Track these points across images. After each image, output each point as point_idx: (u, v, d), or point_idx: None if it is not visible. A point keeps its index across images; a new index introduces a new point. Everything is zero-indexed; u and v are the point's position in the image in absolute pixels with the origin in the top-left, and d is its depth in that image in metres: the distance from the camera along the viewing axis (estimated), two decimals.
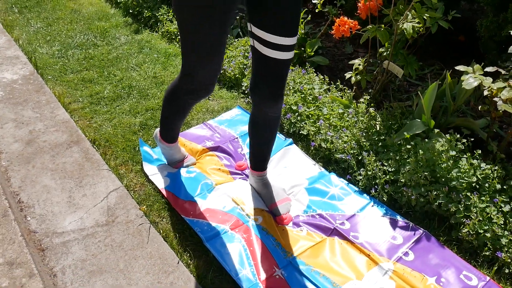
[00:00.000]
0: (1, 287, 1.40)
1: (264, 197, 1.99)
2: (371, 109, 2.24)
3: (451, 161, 1.87)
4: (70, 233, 1.80)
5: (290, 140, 2.33)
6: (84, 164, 2.13)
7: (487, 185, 1.81)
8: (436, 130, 2.06)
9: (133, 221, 1.85)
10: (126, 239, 1.77)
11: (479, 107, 1.89)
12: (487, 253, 1.71)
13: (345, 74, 2.54)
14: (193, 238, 1.84)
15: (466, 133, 2.05)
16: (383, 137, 2.10)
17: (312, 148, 2.25)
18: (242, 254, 1.76)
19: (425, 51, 2.93)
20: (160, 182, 2.08)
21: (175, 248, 1.77)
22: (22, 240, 1.53)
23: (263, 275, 1.68)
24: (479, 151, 1.93)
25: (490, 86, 1.78)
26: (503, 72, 1.85)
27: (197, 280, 1.64)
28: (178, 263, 1.69)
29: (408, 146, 2.00)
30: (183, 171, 2.16)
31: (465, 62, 2.17)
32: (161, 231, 1.85)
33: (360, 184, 2.03)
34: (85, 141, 2.28)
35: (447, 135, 1.98)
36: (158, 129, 2.12)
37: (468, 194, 1.79)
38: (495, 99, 1.78)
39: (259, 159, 1.96)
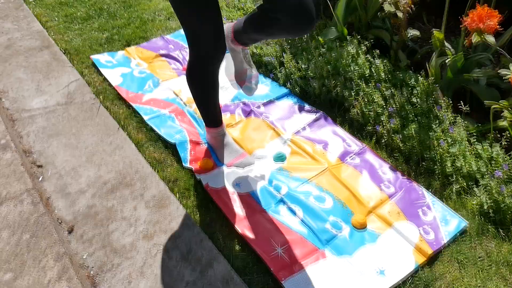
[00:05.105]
0: None
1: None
2: None
3: (350, 57, 2.25)
4: (36, 110, 2.23)
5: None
6: (52, 63, 2.54)
7: (375, 75, 2.20)
8: (349, 37, 2.43)
9: (87, 101, 2.27)
10: (80, 114, 2.20)
11: (378, 13, 2.25)
12: (370, 128, 2.11)
13: None
14: (137, 119, 2.26)
15: (371, 38, 2.42)
16: (304, 43, 2.48)
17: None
18: (176, 127, 2.18)
19: None
20: (114, 80, 2.48)
21: (119, 122, 2.19)
22: None
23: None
24: (378, 51, 2.30)
25: None
26: None
27: (133, 142, 2.07)
28: (118, 129, 2.12)
29: (323, 49, 2.38)
30: (135, 71, 2.56)
31: None
32: (111, 112, 2.26)
33: (280, 80, 2.43)
34: (55, 46, 2.68)
35: (355, 40, 2.35)
36: None
37: (359, 82, 2.18)
38: (385, 3, 2.14)
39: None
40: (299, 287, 1.53)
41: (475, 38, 1.76)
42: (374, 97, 2.12)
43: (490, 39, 1.75)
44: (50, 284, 1.44)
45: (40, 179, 1.85)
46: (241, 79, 1.91)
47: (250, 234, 1.68)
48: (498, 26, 1.77)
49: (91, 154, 1.98)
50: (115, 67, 2.60)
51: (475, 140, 1.92)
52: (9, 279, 1.46)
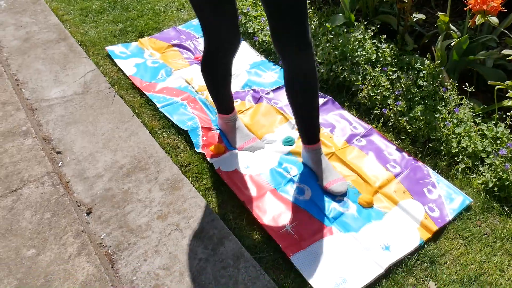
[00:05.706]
0: None
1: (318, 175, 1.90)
2: (309, 11, 2.65)
3: (357, 43, 2.29)
4: (54, 99, 2.32)
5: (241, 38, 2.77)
6: (68, 54, 2.64)
7: (382, 59, 2.23)
8: (356, 23, 2.46)
9: (103, 91, 2.36)
10: (96, 102, 2.29)
11: None
12: (377, 111, 2.16)
13: None
14: (150, 106, 2.33)
15: (378, 23, 2.45)
16: (313, 30, 2.52)
17: (256, 43, 2.69)
18: (188, 114, 2.25)
19: None
20: (128, 70, 2.57)
21: (134, 110, 2.27)
22: (13, 90, 2.06)
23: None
24: (384, 36, 2.34)
25: None
26: None
27: (147, 128, 2.15)
28: (133, 117, 2.20)
29: (330, 36, 2.42)
30: (149, 61, 2.64)
31: None
32: (126, 101, 2.35)
33: None
34: (71, 38, 2.78)
35: (362, 26, 2.39)
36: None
37: (366, 66, 2.22)
38: None
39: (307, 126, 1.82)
40: (307, 262, 1.59)
41: (478, 19, 1.78)
42: (381, 81, 2.16)
43: (494, 19, 1.78)
44: (70, 259, 1.54)
45: (59, 165, 1.95)
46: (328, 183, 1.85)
47: (260, 213, 1.75)
48: (501, 7, 1.79)
49: (107, 141, 2.06)
50: (129, 57, 2.68)
51: (480, 120, 1.95)
52: (32, 255, 1.55)
